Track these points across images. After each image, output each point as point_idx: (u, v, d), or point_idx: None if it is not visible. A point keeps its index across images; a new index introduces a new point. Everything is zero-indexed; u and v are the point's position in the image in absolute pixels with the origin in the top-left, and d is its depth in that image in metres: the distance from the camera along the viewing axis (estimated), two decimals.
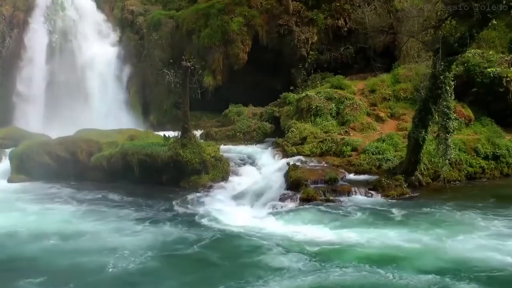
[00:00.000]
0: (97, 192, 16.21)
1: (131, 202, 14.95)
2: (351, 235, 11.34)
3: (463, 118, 18.35)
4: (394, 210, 13.21)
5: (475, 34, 13.48)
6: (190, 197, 14.94)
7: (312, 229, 11.84)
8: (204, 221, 12.82)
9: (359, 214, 13.05)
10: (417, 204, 13.83)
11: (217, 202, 14.47)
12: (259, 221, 12.71)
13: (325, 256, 10.17)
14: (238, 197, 14.77)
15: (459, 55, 14.13)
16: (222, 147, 18.83)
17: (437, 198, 14.30)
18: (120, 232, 11.96)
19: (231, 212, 13.36)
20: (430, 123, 14.53)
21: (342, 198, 14.34)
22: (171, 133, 19.19)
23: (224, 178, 16.61)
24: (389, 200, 14.17)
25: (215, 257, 10.37)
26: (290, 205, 13.96)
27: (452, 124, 14.00)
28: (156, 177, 16.81)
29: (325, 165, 16.57)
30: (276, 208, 13.72)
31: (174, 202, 14.57)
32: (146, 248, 10.76)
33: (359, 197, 14.46)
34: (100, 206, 14.50)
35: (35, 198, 15.64)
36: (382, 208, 13.47)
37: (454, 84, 14.03)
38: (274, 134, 21.23)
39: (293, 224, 12.30)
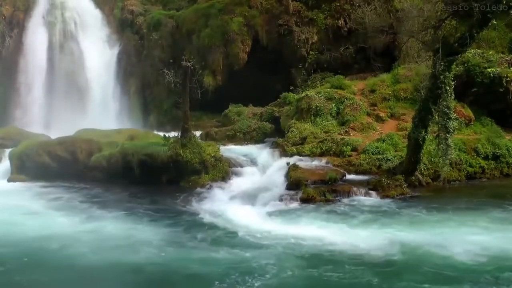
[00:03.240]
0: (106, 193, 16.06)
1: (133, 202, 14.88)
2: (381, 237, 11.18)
3: (463, 118, 18.34)
4: (417, 210, 13.18)
5: (475, 34, 13.49)
6: (190, 197, 14.91)
7: (317, 230, 11.74)
8: (206, 222, 12.76)
9: (364, 214, 12.96)
10: (429, 203, 13.77)
11: (217, 202, 14.42)
12: (260, 221, 12.64)
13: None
14: (238, 197, 14.73)
15: (459, 55, 14.14)
16: (222, 147, 18.80)
17: (445, 197, 14.37)
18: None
19: (232, 212, 13.28)
20: (430, 123, 14.53)
21: (342, 198, 14.34)
22: (171, 133, 19.17)
23: (224, 178, 16.59)
24: (390, 200, 14.15)
25: (222, 258, 10.25)
26: (291, 205, 13.95)
27: (452, 124, 14.01)
28: (156, 177, 16.77)
29: (325, 165, 16.55)
30: (277, 208, 13.69)
31: (174, 203, 14.54)
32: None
33: (359, 197, 14.44)
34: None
35: (70, 202, 15.11)
36: (393, 208, 13.42)
37: (454, 84, 14.03)
38: (274, 134, 21.21)
39: (300, 225, 12.16)
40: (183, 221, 12.89)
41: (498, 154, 17.02)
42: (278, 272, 9.42)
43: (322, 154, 17.45)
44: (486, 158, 16.96)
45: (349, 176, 15.87)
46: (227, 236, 11.58)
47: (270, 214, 13.28)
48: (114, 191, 16.17)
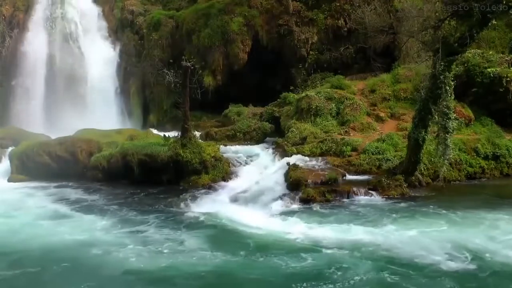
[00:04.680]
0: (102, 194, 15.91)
1: (132, 204, 14.76)
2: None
3: (463, 118, 18.35)
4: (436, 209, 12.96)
5: (475, 34, 13.47)
6: (190, 197, 14.86)
7: (351, 232, 11.52)
8: (206, 222, 12.68)
9: (383, 213, 12.72)
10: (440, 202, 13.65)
11: (217, 202, 14.39)
12: (261, 221, 12.55)
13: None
14: (238, 197, 14.71)
15: (459, 55, 14.12)
16: (222, 147, 18.80)
17: (451, 197, 14.32)
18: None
19: (232, 212, 13.26)
20: (430, 123, 14.52)
21: (342, 198, 14.31)
22: (171, 133, 19.18)
23: (224, 178, 16.59)
24: (394, 200, 14.08)
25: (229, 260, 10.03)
26: (291, 205, 13.91)
27: (452, 124, 13.99)
28: (156, 177, 16.78)
29: (325, 165, 16.55)
30: (277, 208, 13.66)
31: (174, 203, 14.47)
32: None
33: (359, 197, 14.40)
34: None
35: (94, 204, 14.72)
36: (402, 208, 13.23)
37: (454, 84, 14.02)
38: (274, 134, 21.24)
39: (325, 227, 11.90)
40: (182, 222, 12.71)
41: (498, 154, 17.02)
42: (345, 279, 8.84)
43: (322, 154, 17.45)
44: (486, 158, 16.96)
45: (349, 176, 15.85)
46: (260, 241, 11.21)
47: (270, 214, 13.18)
48: (130, 191, 15.97)
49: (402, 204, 13.61)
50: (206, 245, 10.94)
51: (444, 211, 12.77)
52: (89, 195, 15.79)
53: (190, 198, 14.83)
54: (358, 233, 11.27)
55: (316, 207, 13.60)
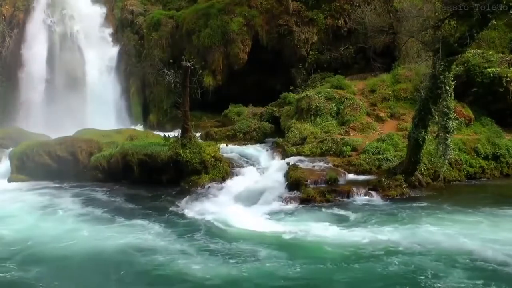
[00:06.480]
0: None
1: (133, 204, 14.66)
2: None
3: (463, 118, 18.37)
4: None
5: (475, 34, 13.48)
6: (190, 197, 14.88)
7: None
8: (206, 223, 12.64)
9: (404, 213, 12.68)
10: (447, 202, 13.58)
11: (217, 202, 14.38)
12: (260, 221, 12.55)
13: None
14: (238, 197, 14.71)
15: (459, 55, 14.14)
16: (222, 147, 18.80)
17: (455, 196, 14.33)
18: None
19: (232, 213, 13.21)
20: (430, 123, 14.53)
21: (342, 198, 14.33)
22: (171, 133, 19.18)
23: (224, 178, 16.57)
24: (390, 200, 14.11)
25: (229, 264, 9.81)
26: (291, 205, 13.93)
27: (452, 124, 14.00)
28: (156, 177, 16.79)
29: (325, 165, 16.55)
30: (277, 209, 13.67)
31: (174, 203, 14.47)
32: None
33: (359, 197, 14.43)
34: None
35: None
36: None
37: (454, 84, 14.03)
38: (274, 134, 21.22)
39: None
40: (182, 223, 12.67)
41: (498, 154, 17.03)
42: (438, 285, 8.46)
43: (322, 154, 17.45)
44: (486, 158, 16.97)
45: (349, 176, 15.86)
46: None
47: (270, 214, 13.14)
48: (151, 193, 15.70)
49: (412, 204, 13.54)
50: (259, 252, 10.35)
51: (469, 210, 12.55)
52: (114, 198, 15.41)
53: (183, 198, 14.76)
54: (409, 235, 10.82)
55: (315, 207, 13.61)
